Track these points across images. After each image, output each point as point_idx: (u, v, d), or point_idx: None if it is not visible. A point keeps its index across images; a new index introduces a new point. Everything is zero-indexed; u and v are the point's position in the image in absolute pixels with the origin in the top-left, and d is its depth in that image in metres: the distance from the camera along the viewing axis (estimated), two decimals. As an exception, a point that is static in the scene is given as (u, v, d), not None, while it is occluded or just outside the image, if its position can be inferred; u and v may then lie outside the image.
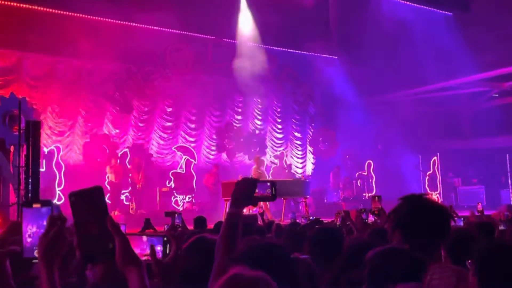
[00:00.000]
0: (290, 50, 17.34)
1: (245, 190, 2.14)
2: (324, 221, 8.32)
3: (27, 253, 1.49)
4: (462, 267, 2.33)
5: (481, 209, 8.69)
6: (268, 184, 2.20)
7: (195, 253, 2.18)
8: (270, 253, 1.89)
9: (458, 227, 4.15)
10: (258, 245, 1.94)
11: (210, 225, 7.31)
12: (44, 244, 1.43)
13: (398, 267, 1.94)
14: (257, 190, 2.16)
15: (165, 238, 1.89)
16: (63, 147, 14.00)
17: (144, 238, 1.89)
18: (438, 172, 19.45)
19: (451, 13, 19.55)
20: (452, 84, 17.74)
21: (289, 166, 17.15)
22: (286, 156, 18.08)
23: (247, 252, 1.89)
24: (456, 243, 2.94)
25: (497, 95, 19.69)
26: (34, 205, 1.51)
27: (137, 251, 1.88)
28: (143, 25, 14.14)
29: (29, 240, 1.48)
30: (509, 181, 18.72)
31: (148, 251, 1.85)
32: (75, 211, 1.39)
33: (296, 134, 18.94)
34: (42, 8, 13.35)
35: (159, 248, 1.88)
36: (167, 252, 1.89)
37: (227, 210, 8.08)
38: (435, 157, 19.52)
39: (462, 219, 6.41)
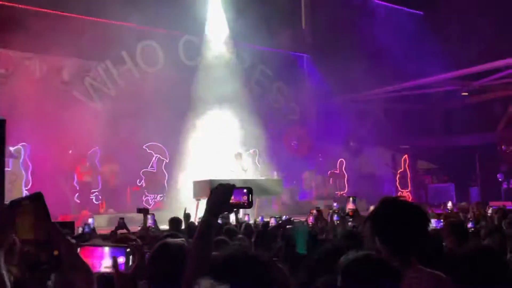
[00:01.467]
0: (262, 48, 17.23)
1: (221, 197, 2.09)
2: (295, 220, 8.31)
3: None
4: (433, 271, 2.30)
5: (451, 207, 8.82)
6: (245, 190, 2.15)
7: (159, 261, 2.10)
8: (246, 265, 1.82)
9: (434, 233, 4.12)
10: (232, 256, 1.87)
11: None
12: None
13: (374, 275, 1.89)
14: (232, 197, 2.09)
15: (128, 249, 1.79)
16: (31, 145, 13.67)
17: (106, 249, 1.78)
18: (409, 170, 19.68)
19: (421, 12, 19.79)
20: (424, 83, 17.93)
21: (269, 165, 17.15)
22: (259, 154, 18.00)
23: (221, 264, 1.81)
24: (433, 249, 2.91)
25: (467, 93, 19.98)
26: None
27: (98, 262, 1.78)
28: (112, 20, 13.85)
29: None
30: (478, 179, 19.06)
31: (109, 263, 1.75)
32: (17, 219, 1.37)
33: (269, 131, 18.86)
34: (10, 3, 12.96)
35: (122, 259, 1.78)
36: (130, 263, 1.79)
37: (198, 212, 8.01)
38: (406, 155, 19.75)
39: (441, 220, 6.42)
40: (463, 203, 12.23)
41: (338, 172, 18.42)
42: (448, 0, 18.55)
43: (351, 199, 5.80)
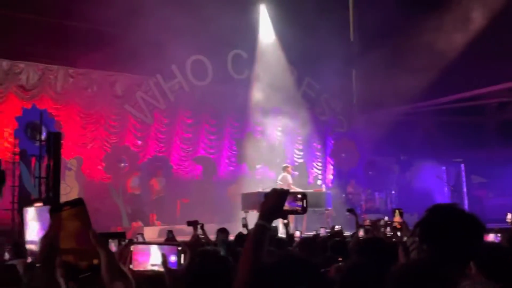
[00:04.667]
0: (309, 60, 17.19)
1: (275, 203, 2.05)
2: (345, 234, 8.19)
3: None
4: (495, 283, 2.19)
5: (510, 219, 8.38)
6: (299, 196, 2.10)
7: (196, 266, 2.13)
8: (298, 268, 1.80)
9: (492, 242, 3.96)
10: (284, 259, 1.86)
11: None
12: (43, 246, 1.35)
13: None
14: (286, 203, 2.06)
15: (180, 248, 1.81)
16: (84, 158, 14.10)
17: (156, 247, 1.80)
18: (462, 184, 19.09)
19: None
20: (477, 94, 17.42)
21: (315, 178, 17.18)
22: (306, 167, 17.93)
23: (274, 267, 1.81)
24: (490, 258, 2.77)
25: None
26: (35, 204, 1.46)
27: (149, 260, 1.81)
28: (164, 37, 14.14)
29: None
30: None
31: (159, 261, 1.77)
32: (56, 225, 1.32)
33: (315, 145, 18.79)
34: (62, 21, 13.42)
35: (173, 258, 1.80)
36: (181, 262, 1.80)
37: (243, 221, 8.07)
38: (460, 169, 19.17)
39: (498, 234, 6.12)
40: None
41: (387, 185, 18.07)
42: None
43: (397, 211, 5.66)
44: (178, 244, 1.87)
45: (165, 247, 1.82)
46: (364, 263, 2.50)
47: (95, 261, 1.33)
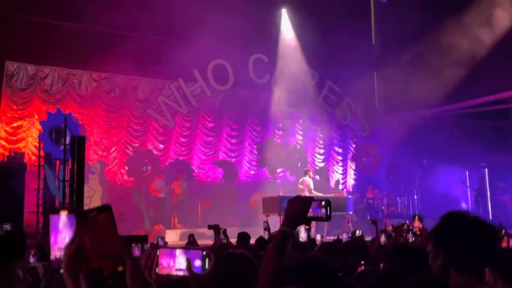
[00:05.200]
0: (331, 63, 17.12)
1: (299, 209, 2.06)
2: (366, 239, 8.12)
3: (55, 264, 1.44)
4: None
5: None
6: (323, 203, 2.10)
7: (223, 269, 2.14)
8: (319, 270, 1.82)
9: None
10: (306, 261, 1.87)
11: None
12: (68, 253, 1.34)
13: None
14: (310, 210, 2.06)
15: (204, 252, 1.83)
16: (108, 162, 14.27)
17: (181, 251, 1.82)
18: (487, 188, 18.80)
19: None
20: (501, 98, 17.17)
21: (337, 182, 17.16)
22: (327, 171, 17.87)
23: (296, 268, 1.82)
24: (508, 262, 2.74)
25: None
26: (62, 212, 1.46)
27: (174, 264, 1.83)
28: (185, 41, 14.25)
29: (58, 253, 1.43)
30: None
31: (184, 266, 1.79)
32: (83, 230, 1.32)
33: (337, 149, 18.72)
34: (86, 26, 13.60)
35: (198, 263, 1.82)
36: (206, 267, 1.82)
37: (265, 225, 8.09)
38: (484, 173, 18.90)
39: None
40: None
41: (409, 190, 17.89)
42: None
43: (417, 217, 5.62)
44: (203, 248, 1.89)
45: (190, 251, 1.83)
46: (395, 270, 2.49)
47: (120, 268, 1.32)
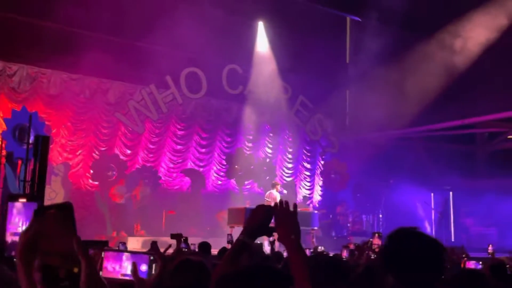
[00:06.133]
0: (304, 79, 17.21)
1: (260, 220, 2.00)
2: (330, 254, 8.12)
3: (9, 251, 1.37)
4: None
5: (491, 251, 8.42)
6: None
7: (180, 274, 2.07)
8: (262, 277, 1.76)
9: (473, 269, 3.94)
10: (250, 268, 1.82)
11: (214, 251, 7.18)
12: (23, 241, 1.29)
13: None
14: (273, 221, 2.03)
15: (151, 258, 1.74)
16: (73, 164, 13.98)
17: (126, 255, 1.74)
18: (450, 211, 19.08)
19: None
20: (469, 123, 17.51)
21: (304, 197, 17.19)
22: (295, 186, 17.89)
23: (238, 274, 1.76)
24: (470, 283, 2.74)
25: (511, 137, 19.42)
26: (20, 199, 1.39)
27: (119, 268, 1.75)
28: (160, 46, 14.14)
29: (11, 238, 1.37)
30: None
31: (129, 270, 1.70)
32: (40, 227, 1.27)
33: (305, 164, 18.77)
34: (56, 25, 13.33)
35: (144, 267, 1.74)
36: (153, 272, 1.74)
37: (228, 238, 8.01)
38: (448, 196, 19.18)
39: (480, 262, 6.11)
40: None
41: (375, 208, 18.03)
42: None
43: (377, 235, 5.63)
44: (151, 253, 1.81)
45: (137, 255, 1.76)
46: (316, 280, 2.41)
47: (75, 270, 1.28)
